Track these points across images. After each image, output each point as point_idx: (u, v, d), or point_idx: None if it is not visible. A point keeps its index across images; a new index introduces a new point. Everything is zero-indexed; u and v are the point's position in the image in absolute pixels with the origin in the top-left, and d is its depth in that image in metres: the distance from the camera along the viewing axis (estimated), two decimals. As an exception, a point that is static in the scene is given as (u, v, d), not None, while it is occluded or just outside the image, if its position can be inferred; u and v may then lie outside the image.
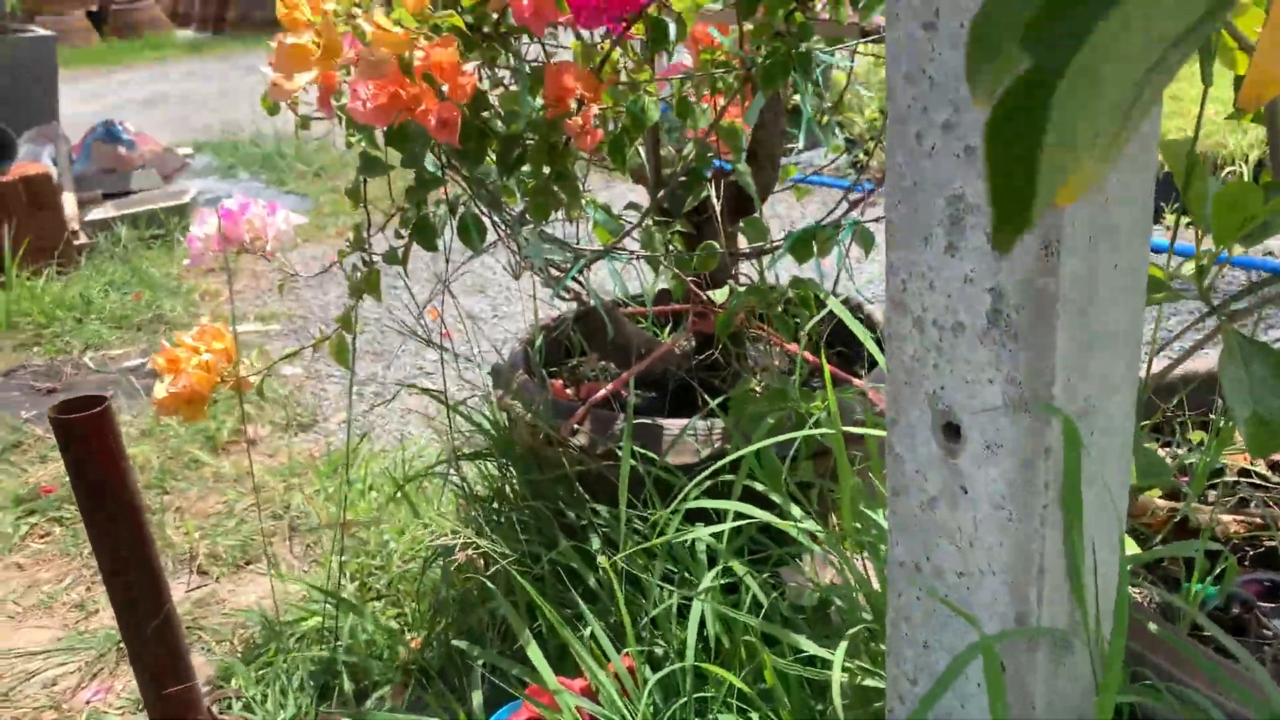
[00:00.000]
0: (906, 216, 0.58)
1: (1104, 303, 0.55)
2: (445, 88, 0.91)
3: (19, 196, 3.10)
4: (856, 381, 1.19)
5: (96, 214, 3.44)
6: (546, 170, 1.01)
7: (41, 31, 4.27)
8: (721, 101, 1.09)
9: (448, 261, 1.26)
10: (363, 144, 1.06)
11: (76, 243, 3.22)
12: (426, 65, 0.90)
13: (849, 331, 1.10)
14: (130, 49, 8.35)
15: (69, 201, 3.41)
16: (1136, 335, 0.59)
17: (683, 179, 1.14)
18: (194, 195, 3.62)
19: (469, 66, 0.91)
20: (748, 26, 1.02)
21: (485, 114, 1.00)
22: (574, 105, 0.96)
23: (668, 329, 1.54)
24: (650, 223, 1.12)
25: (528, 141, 1.01)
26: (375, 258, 1.09)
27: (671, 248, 1.15)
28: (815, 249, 1.09)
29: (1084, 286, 0.53)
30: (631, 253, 1.11)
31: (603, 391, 1.20)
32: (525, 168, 1.03)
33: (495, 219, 1.18)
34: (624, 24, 0.97)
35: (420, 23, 0.87)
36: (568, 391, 1.35)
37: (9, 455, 2.04)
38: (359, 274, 1.08)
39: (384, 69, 0.86)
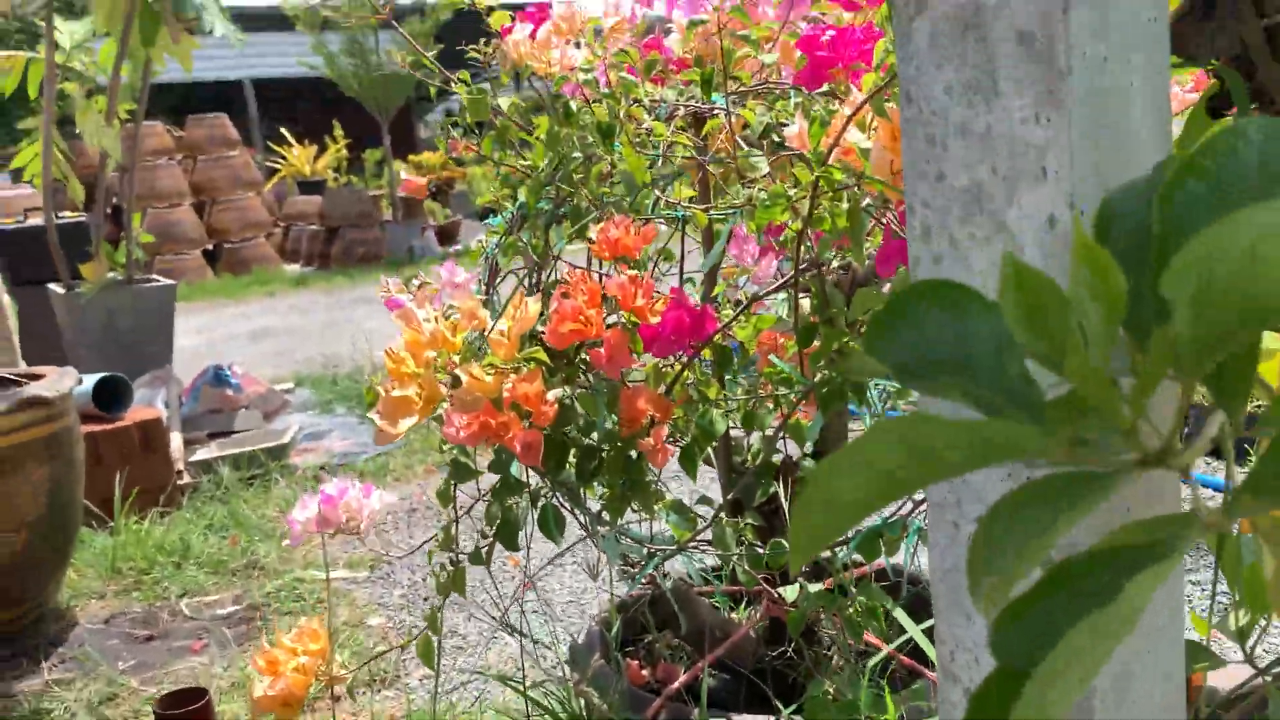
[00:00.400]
0: (948, 594, 0.63)
1: (1141, 687, 0.58)
2: (530, 414, 1.00)
3: (133, 441, 3.31)
4: (931, 675, 1.19)
5: (201, 454, 3.64)
6: (622, 479, 1.08)
7: (164, 281, 4.64)
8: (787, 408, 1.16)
9: (528, 549, 1.32)
10: (454, 451, 1.15)
11: (180, 483, 3.40)
12: (514, 395, 0.99)
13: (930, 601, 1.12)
14: (240, 283, 8.95)
15: (176, 442, 3.62)
16: (1180, 712, 0.61)
17: (754, 471, 1.21)
18: (293, 435, 3.81)
19: (552, 394, 1.00)
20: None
21: (567, 428, 1.08)
22: (646, 424, 1.04)
23: (744, 603, 1.57)
24: (722, 518, 1.18)
25: (604, 451, 1.09)
26: (462, 557, 1.16)
27: (743, 540, 1.20)
28: (883, 548, 1.13)
29: (1123, 680, 0.57)
30: (704, 545, 1.16)
31: (676, 684, 1.22)
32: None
33: (575, 511, 1.25)
34: (693, 350, 1.07)
35: (509, 363, 0.97)
36: (644, 673, 1.38)
37: (103, 708, 2.10)
38: (446, 573, 1.15)
39: (476, 404, 0.96)
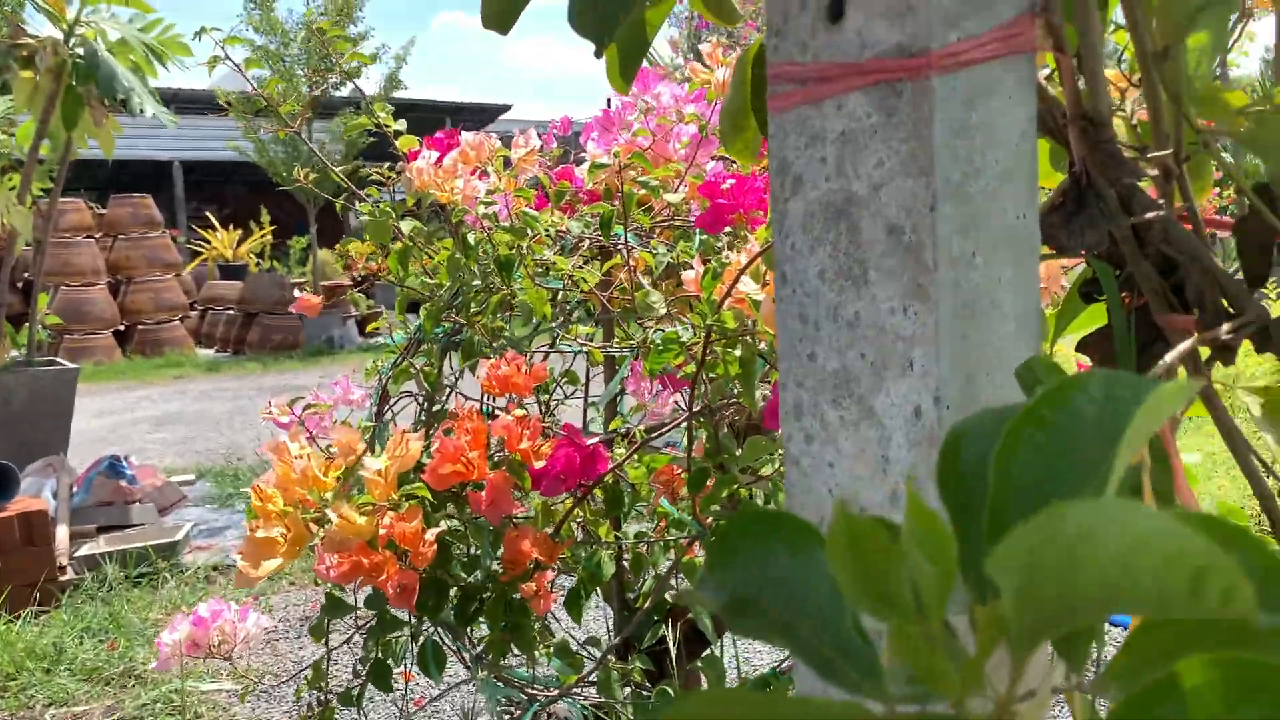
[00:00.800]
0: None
1: None
2: (408, 553, 0.96)
3: (13, 533, 3.14)
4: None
5: (87, 549, 3.47)
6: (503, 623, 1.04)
7: (66, 365, 4.48)
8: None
9: (407, 683, 1.26)
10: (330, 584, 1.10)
11: (62, 579, 3.22)
12: (391, 533, 0.95)
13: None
14: (151, 366, 8.71)
15: (62, 535, 3.44)
16: None
17: (646, 611, 1.17)
18: (186, 531, 3.66)
19: (432, 533, 0.96)
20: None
21: (448, 565, 1.04)
22: (530, 567, 1.00)
23: (632, 742, 1.51)
24: (610, 661, 1.14)
25: (486, 593, 1.04)
26: (331, 697, 1.10)
27: (630, 683, 1.16)
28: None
29: None
30: (587, 697, 1.11)
31: (554, 836, 1.16)
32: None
33: (457, 647, 1.20)
34: (584, 489, 1.04)
35: (387, 501, 0.93)
36: (524, 818, 1.31)
37: (-54, 834, 1.94)
38: (313, 715, 1.09)
39: (347, 544, 0.91)
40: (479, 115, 16.83)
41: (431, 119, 15.28)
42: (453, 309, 1.15)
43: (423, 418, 1.17)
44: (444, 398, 1.17)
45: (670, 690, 1.13)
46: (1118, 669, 0.32)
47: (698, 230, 1.21)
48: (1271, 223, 0.61)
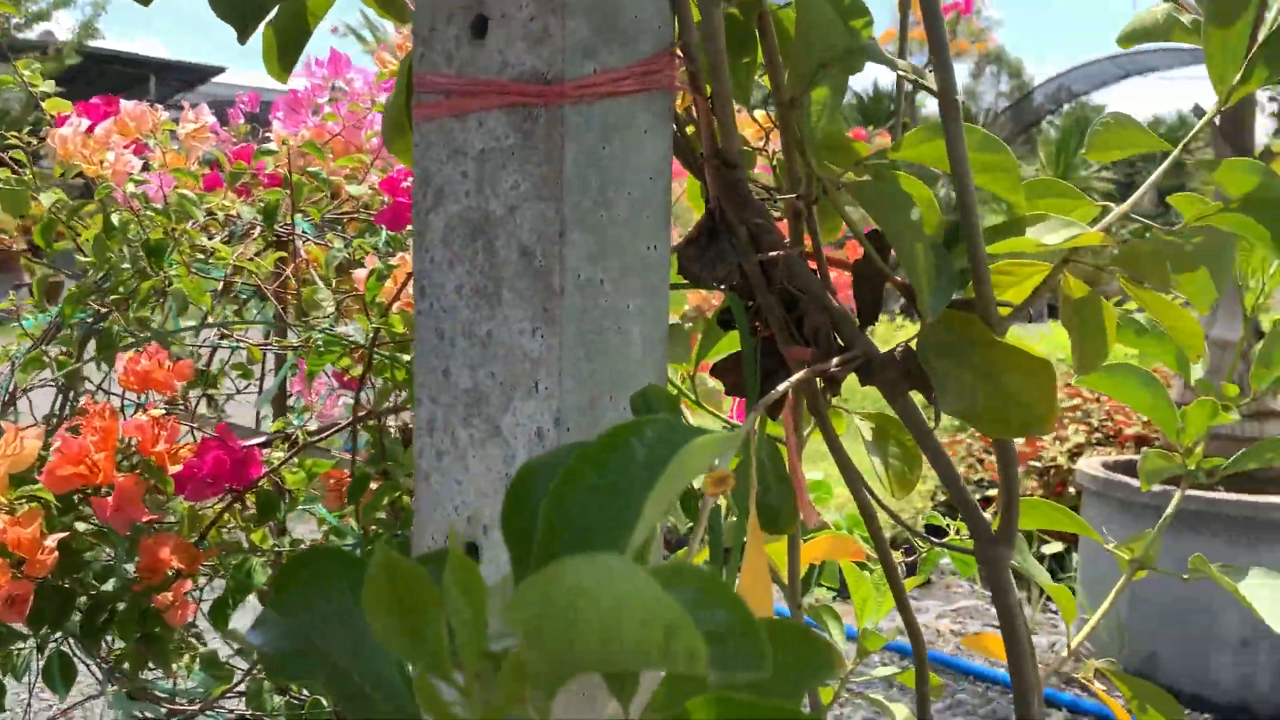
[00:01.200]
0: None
1: None
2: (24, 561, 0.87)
3: None
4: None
5: None
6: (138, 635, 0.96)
7: None
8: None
9: (31, 694, 1.15)
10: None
11: None
12: (3, 538, 0.86)
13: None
14: None
15: None
16: None
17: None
18: None
19: (54, 539, 0.88)
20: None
21: (76, 574, 0.95)
22: (170, 576, 0.94)
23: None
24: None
25: (120, 603, 0.96)
26: (-72, 721, 0.98)
27: (286, 691, 1.11)
28: None
29: None
30: (233, 710, 1.06)
31: None
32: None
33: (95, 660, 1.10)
34: (235, 494, 0.98)
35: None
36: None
37: None
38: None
39: (-54, 550, 0.81)
40: (188, 75, 15.64)
41: (133, 74, 14.04)
42: (100, 293, 1.05)
43: (59, 412, 1.06)
44: (93, 390, 1.07)
45: (325, 701, 1.09)
46: (656, 704, 0.34)
47: (383, 226, 1.18)
48: (881, 267, 0.66)
